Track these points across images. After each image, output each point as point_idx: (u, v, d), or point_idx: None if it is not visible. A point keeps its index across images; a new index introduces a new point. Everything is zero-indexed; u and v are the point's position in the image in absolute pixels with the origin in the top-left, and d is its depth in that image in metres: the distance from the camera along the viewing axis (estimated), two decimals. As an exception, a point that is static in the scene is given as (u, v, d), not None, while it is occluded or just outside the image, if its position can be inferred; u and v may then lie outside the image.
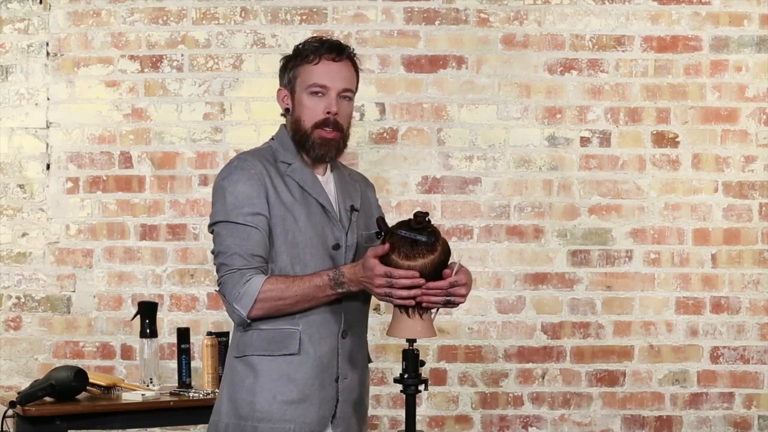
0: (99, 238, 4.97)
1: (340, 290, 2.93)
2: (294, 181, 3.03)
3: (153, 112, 4.98)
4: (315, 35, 3.14)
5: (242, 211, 2.96)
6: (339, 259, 3.02)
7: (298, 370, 2.98)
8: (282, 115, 3.12)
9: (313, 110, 3.02)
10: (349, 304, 3.03)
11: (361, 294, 3.03)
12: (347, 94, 3.04)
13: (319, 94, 3.01)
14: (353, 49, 3.08)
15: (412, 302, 2.87)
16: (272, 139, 3.13)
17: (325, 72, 3.01)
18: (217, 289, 3.01)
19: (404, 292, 2.84)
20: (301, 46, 3.06)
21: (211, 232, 3.03)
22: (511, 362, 4.97)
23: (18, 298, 4.98)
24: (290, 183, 3.02)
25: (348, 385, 3.05)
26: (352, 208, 3.09)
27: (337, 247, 3.03)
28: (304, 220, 2.99)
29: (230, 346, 3.11)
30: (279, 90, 3.10)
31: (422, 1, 4.96)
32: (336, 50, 3.03)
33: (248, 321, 2.96)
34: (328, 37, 3.10)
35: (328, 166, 3.12)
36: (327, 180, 3.09)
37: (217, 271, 2.99)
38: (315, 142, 3.02)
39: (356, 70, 3.09)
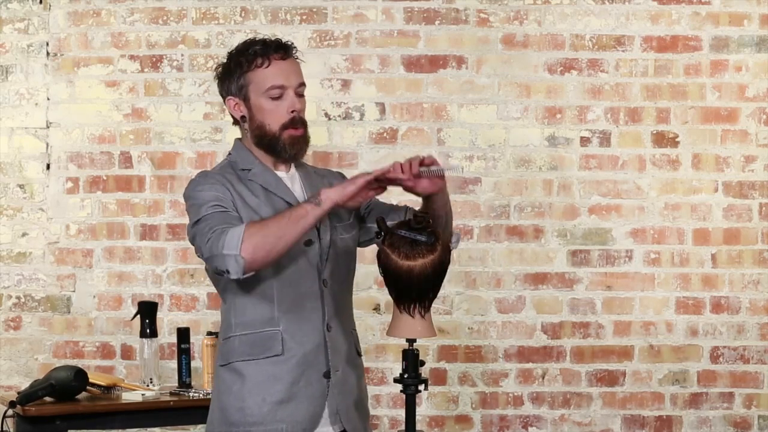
0: (99, 238, 4.98)
1: (314, 202, 2.84)
2: (257, 184, 3.01)
3: (153, 112, 4.98)
4: (247, 39, 3.09)
5: (213, 204, 2.94)
6: (313, 254, 3.01)
7: (283, 370, 2.97)
8: (234, 124, 3.08)
9: (276, 112, 3.00)
10: (330, 295, 3.02)
11: (343, 284, 3.05)
12: (302, 89, 3.04)
13: (278, 96, 2.99)
14: (292, 42, 3.06)
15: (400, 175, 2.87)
16: (229, 154, 3.11)
17: (278, 72, 2.99)
18: (205, 256, 2.91)
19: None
20: (242, 54, 3.01)
21: (193, 241, 2.98)
22: (511, 362, 4.97)
23: (18, 298, 4.98)
24: (253, 187, 3.01)
25: (341, 378, 3.03)
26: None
27: (309, 243, 3.01)
28: None
29: (216, 355, 3.10)
30: (228, 99, 3.05)
31: (422, 1, 4.97)
32: (282, 48, 3.01)
33: (244, 263, 2.82)
34: (263, 37, 3.07)
35: (292, 164, 3.10)
36: (292, 177, 3.08)
37: (201, 242, 2.90)
38: (285, 142, 3.01)
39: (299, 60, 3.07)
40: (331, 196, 2.86)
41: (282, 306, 2.99)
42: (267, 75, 2.99)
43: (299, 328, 2.99)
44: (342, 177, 3.25)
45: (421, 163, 2.90)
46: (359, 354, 3.15)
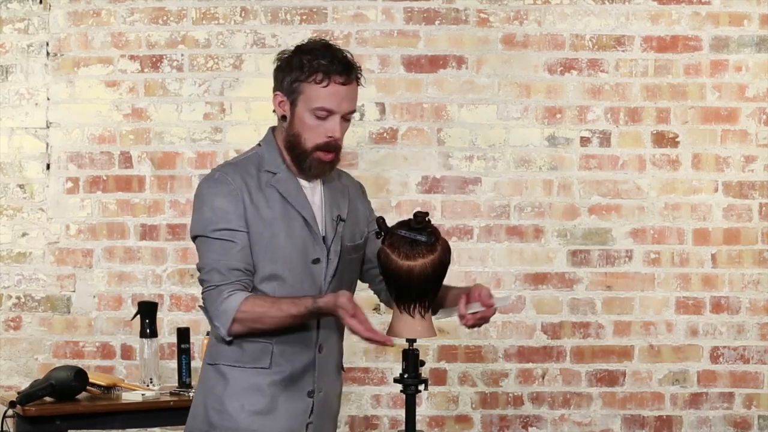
0: (99, 238, 4.97)
1: (317, 317, 2.95)
2: (277, 191, 2.97)
3: (153, 112, 4.98)
4: (320, 39, 3.04)
5: (218, 227, 2.93)
6: (318, 273, 3.00)
7: (267, 382, 2.97)
8: (273, 112, 3.05)
9: (315, 131, 2.95)
10: (328, 318, 3.00)
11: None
12: (350, 116, 2.99)
13: (323, 117, 2.94)
14: (359, 66, 3.01)
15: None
16: (259, 144, 3.08)
17: (332, 95, 2.93)
18: (200, 305, 3.00)
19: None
20: (306, 60, 2.94)
21: (197, 252, 3.01)
22: (511, 362, 4.97)
23: (18, 298, 4.98)
24: (272, 195, 2.97)
25: (323, 398, 3.05)
26: (339, 219, 3.04)
27: (317, 261, 3.00)
28: (284, 236, 2.96)
29: (205, 351, 3.11)
30: (276, 94, 3.00)
31: (422, 1, 4.96)
32: (345, 73, 2.94)
33: (229, 338, 2.94)
34: (335, 47, 2.99)
35: None
36: (314, 188, 3.04)
37: (202, 284, 2.98)
38: (313, 162, 2.97)
39: (359, 84, 3.02)
40: (329, 313, 2.90)
41: None
42: (320, 95, 2.93)
43: (291, 346, 2.98)
44: (362, 192, 3.22)
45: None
46: (342, 369, 3.17)
